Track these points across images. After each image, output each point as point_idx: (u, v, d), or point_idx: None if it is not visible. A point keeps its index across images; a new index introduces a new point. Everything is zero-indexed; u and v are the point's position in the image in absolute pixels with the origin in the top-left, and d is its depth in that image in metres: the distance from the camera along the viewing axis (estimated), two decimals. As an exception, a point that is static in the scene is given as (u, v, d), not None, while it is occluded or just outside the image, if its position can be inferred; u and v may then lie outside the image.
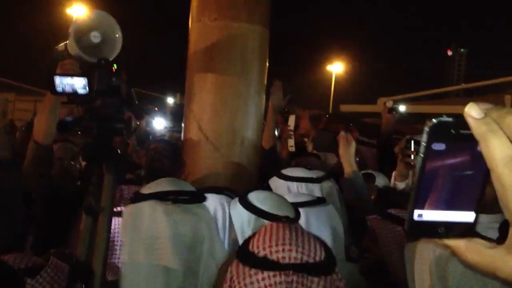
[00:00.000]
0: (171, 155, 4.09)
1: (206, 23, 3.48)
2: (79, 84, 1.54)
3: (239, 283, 1.46)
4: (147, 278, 1.66)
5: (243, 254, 1.53)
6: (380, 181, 3.81)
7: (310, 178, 2.95)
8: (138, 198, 1.77)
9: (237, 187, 3.18)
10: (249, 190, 2.35)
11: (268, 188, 3.60)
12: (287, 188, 2.91)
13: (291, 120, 4.85)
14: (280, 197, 2.36)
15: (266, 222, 1.99)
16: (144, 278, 1.66)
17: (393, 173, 3.49)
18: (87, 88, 1.54)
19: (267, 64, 3.71)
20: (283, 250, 1.46)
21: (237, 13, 3.46)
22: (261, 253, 1.47)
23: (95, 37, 2.57)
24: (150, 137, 5.94)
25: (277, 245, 1.47)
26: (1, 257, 1.60)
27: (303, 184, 2.92)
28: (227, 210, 2.48)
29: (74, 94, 1.55)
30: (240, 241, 2.09)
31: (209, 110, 3.47)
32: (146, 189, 1.84)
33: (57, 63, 2.80)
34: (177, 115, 6.19)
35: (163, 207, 1.75)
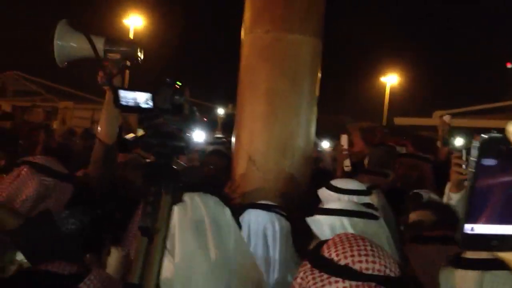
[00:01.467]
0: (223, 166, 4.11)
1: (259, 34, 3.48)
2: (142, 99, 1.55)
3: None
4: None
5: (318, 259, 1.48)
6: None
7: (361, 191, 2.90)
8: None
9: (287, 200, 3.15)
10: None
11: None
12: (338, 200, 2.87)
13: (344, 139, 4.76)
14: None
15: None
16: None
17: (447, 184, 3.36)
18: (150, 103, 1.54)
19: (320, 75, 3.66)
20: (367, 261, 1.43)
21: (290, 24, 3.44)
22: (343, 262, 1.43)
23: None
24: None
25: (359, 255, 1.44)
26: (48, 268, 1.63)
27: (355, 197, 2.88)
28: (277, 227, 2.46)
29: (137, 108, 1.55)
30: None
31: (260, 121, 3.46)
32: None
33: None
34: (228, 126, 6.22)
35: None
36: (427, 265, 2.27)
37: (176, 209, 1.67)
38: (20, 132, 7.83)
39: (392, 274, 1.43)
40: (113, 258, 2.32)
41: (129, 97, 1.56)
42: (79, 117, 16.40)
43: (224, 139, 5.69)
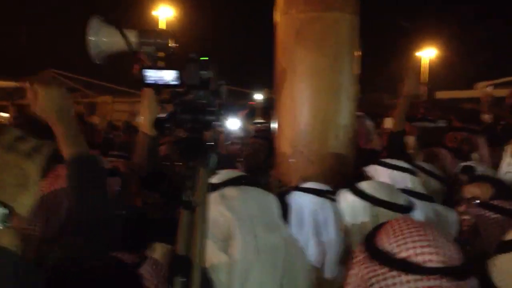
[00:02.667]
0: (266, 150, 4.08)
1: (294, 15, 3.41)
2: (170, 76, 1.57)
3: (378, 282, 1.38)
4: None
5: (376, 250, 1.43)
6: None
7: (411, 170, 2.84)
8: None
9: (332, 181, 3.09)
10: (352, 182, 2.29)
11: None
12: (388, 177, 2.84)
13: (388, 122, 4.65)
14: (392, 186, 2.31)
15: (382, 210, 2.03)
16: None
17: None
18: (178, 80, 1.56)
19: (359, 53, 3.57)
20: (429, 253, 1.36)
21: (326, 2, 3.36)
22: (401, 255, 1.37)
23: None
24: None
25: (422, 247, 1.37)
26: (113, 255, 1.69)
27: (406, 175, 2.85)
28: (329, 213, 2.39)
29: (166, 85, 1.58)
30: (352, 230, 2.14)
31: (301, 103, 3.40)
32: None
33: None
34: (268, 111, 6.18)
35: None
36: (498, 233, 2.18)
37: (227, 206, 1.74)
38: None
39: (456, 263, 1.37)
40: (158, 254, 2.33)
41: (156, 75, 1.58)
42: (118, 111, 16.65)
43: (266, 124, 5.65)
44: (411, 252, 1.37)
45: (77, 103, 13.09)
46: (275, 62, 3.59)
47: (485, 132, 4.93)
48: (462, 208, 2.71)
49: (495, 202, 2.37)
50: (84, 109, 11.08)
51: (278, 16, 3.56)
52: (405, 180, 2.83)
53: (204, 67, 1.55)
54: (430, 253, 1.36)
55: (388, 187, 2.27)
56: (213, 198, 1.81)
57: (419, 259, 1.35)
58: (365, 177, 3.37)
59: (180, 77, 1.56)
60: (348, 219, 2.18)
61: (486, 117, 5.29)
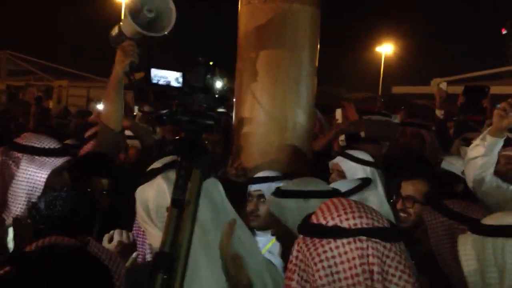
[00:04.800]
0: (223, 143, 4.08)
1: (257, 5, 3.43)
2: (173, 77, 1.58)
3: (310, 254, 1.42)
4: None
5: (307, 228, 1.49)
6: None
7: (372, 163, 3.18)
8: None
9: (290, 172, 3.14)
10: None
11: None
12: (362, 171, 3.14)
13: (338, 113, 4.73)
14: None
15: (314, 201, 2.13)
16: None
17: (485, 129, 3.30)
18: (181, 82, 1.58)
19: (319, 46, 3.62)
20: (353, 217, 1.43)
21: (288, -7, 3.37)
22: (331, 223, 1.44)
23: (149, 12, 2.60)
24: None
25: (346, 213, 1.45)
26: (52, 240, 1.68)
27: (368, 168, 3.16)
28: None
29: (168, 86, 1.59)
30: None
31: (260, 94, 3.42)
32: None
33: (116, 47, 2.86)
34: (227, 99, 6.17)
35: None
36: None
37: None
38: (16, 111, 7.81)
39: (382, 226, 1.44)
40: (112, 244, 2.33)
41: (160, 75, 1.59)
42: (74, 96, 16.29)
43: (227, 112, 5.63)
44: (337, 220, 1.44)
45: (32, 86, 12.70)
46: (237, 51, 3.60)
47: (436, 128, 5.07)
48: (398, 205, 2.82)
49: (448, 204, 2.43)
50: (41, 93, 10.78)
51: (241, 4, 3.57)
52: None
53: (210, 72, 1.58)
54: (355, 218, 1.43)
55: (313, 180, 2.46)
56: (157, 180, 1.87)
57: (344, 224, 1.42)
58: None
59: (183, 79, 1.57)
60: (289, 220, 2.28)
61: (438, 113, 5.42)
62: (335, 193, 2.34)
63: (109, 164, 2.95)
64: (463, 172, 3.21)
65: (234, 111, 3.68)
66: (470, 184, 2.96)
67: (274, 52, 3.40)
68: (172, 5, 2.61)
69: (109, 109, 3.03)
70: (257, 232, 2.86)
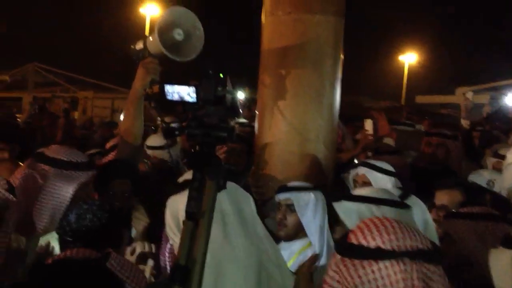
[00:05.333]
0: (245, 154, 4.08)
1: (280, 16, 3.43)
2: (186, 92, 1.60)
3: (350, 276, 1.40)
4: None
5: (347, 248, 1.46)
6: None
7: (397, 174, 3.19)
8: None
9: (312, 183, 3.12)
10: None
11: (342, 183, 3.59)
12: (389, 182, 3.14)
13: (368, 124, 4.66)
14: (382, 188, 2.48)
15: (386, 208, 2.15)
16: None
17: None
18: (194, 96, 1.59)
19: (342, 56, 3.60)
20: (396, 239, 1.40)
21: (311, 5, 3.39)
22: (373, 244, 1.40)
23: (178, 34, 2.57)
24: None
25: (388, 234, 1.41)
26: (73, 254, 1.69)
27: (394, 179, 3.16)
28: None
29: (182, 101, 1.62)
30: None
31: (282, 104, 3.41)
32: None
33: (138, 62, 2.88)
34: (250, 109, 6.17)
35: None
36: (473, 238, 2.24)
37: None
38: (43, 122, 7.95)
39: (425, 248, 1.40)
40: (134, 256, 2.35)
41: (173, 91, 1.61)
42: (99, 107, 16.54)
43: (248, 125, 5.63)
44: (379, 241, 1.40)
45: (58, 97, 12.95)
46: (260, 62, 3.61)
47: (461, 138, 5.01)
48: (432, 215, 2.78)
49: (464, 210, 2.41)
50: (68, 105, 10.97)
51: (264, 17, 3.58)
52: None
53: (220, 84, 1.58)
54: (398, 239, 1.40)
55: (381, 189, 2.44)
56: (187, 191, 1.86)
57: (388, 246, 1.39)
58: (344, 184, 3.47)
59: (196, 94, 1.59)
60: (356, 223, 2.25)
61: (464, 123, 5.36)
62: (404, 204, 2.33)
63: (129, 169, 2.99)
64: (488, 183, 3.18)
65: (256, 122, 3.68)
66: (504, 191, 2.93)
67: (297, 63, 3.40)
68: (200, 30, 2.58)
69: (128, 124, 3.05)
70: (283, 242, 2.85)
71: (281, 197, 2.92)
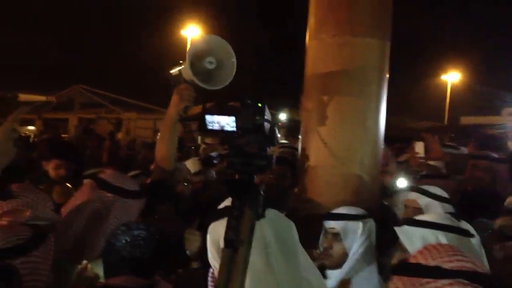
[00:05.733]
0: (289, 177, 4.07)
1: (325, 40, 3.44)
2: (225, 121, 1.61)
3: None
4: None
5: (405, 267, 1.51)
6: None
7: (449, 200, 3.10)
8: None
9: (357, 206, 3.09)
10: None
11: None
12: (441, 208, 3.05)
13: (419, 147, 4.58)
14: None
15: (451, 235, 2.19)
16: None
17: None
18: (234, 125, 1.60)
19: (387, 78, 3.58)
20: (457, 260, 1.46)
21: (357, 28, 3.38)
22: (432, 263, 1.46)
23: (210, 63, 2.59)
24: None
25: (448, 256, 1.47)
26: (117, 282, 1.69)
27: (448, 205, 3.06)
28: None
29: (222, 131, 1.62)
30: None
31: (328, 126, 3.40)
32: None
33: (173, 87, 2.92)
34: (292, 131, 6.17)
35: None
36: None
37: None
38: (88, 143, 8.15)
39: (483, 272, 1.45)
40: None
41: (213, 120, 1.62)
42: (141, 127, 16.83)
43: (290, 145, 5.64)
44: (439, 260, 1.46)
45: (102, 118, 13.26)
46: (304, 84, 3.62)
47: (508, 160, 4.87)
48: (496, 247, 2.72)
49: None
50: (113, 126, 11.23)
51: (309, 40, 3.60)
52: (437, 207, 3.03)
53: (259, 113, 1.60)
54: (458, 261, 1.45)
55: (445, 215, 2.46)
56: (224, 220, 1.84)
57: (447, 266, 1.44)
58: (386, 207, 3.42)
59: (236, 122, 1.60)
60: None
61: (510, 145, 5.21)
62: (469, 232, 2.34)
63: (170, 193, 3.01)
64: None
65: (300, 144, 3.67)
66: None
67: (342, 85, 3.39)
68: (233, 60, 2.59)
69: (162, 150, 3.05)
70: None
71: (328, 225, 2.85)
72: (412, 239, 2.26)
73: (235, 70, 2.67)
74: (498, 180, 4.40)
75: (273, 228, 1.80)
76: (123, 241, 2.14)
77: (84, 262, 2.39)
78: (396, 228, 2.35)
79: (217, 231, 1.93)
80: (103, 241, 2.36)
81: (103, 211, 2.48)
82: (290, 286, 1.74)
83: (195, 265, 2.53)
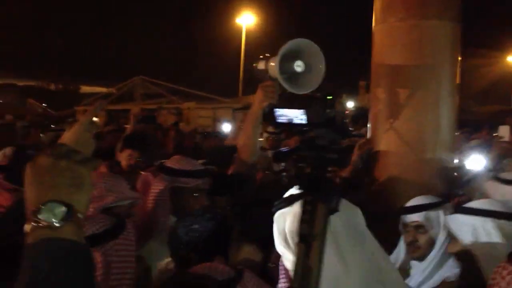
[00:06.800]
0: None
1: (393, 23, 3.35)
2: (294, 115, 1.62)
3: None
4: None
5: None
6: None
7: None
8: None
9: (431, 193, 3.01)
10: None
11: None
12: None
13: (504, 130, 4.38)
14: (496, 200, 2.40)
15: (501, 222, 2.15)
16: None
17: None
18: (304, 118, 1.62)
19: (459, 61, 3.45)
20: None
21: (425, 10, 3.27)
22: None
23: (298, 66, 2.56)
24: None
25: None
26: (199, 270, 1.70)
27: None
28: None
29: (291, 123, 1.64)
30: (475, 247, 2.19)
31: (399, 113, 3.31)
32: None
33: (257, 81, 2.92)
34: (360, 119, 6.06)
35: None
36: None
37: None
38: (152, 133, 8.31)
39: None
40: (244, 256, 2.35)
41: (282, 114, 1.64)
42: (201, 117, 17.08)
43: (359, 134, 5.52)
44: None
45: (163, 109, 13.49)
46: (372, 71, 3.54)
47: None
48: None
49: None
50: (176, 117, 11.44)
51: (375, 24, 3.51)
52: None
53: (329, 106, 1.59)
54: None
55: (497, 201, 2.35)
56: (295, 206, 1.77)
57: None
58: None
59: (306, 116, 1.60)
60: (470, 238, 2.21)
61: None
62: None
63: (228, 184, 3.14)
64: None
65: (369, 133, 3.60)
66: None
67: (412, 71, 3.29)
68: (322, 65, 2.54)
69: (245, 143, 3.14)
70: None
71: (408, 219, 2.74)
72: (461, 227, 2.23)
73: (322, 77, 2.63)
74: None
75: (341, 217, 1.77)
76: (182, 228, 2.26)
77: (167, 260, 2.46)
78: (447, 217, 2.34)
79: (282, 219, 1.93)
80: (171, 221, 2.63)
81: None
82: (360, 272, 1.72)
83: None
